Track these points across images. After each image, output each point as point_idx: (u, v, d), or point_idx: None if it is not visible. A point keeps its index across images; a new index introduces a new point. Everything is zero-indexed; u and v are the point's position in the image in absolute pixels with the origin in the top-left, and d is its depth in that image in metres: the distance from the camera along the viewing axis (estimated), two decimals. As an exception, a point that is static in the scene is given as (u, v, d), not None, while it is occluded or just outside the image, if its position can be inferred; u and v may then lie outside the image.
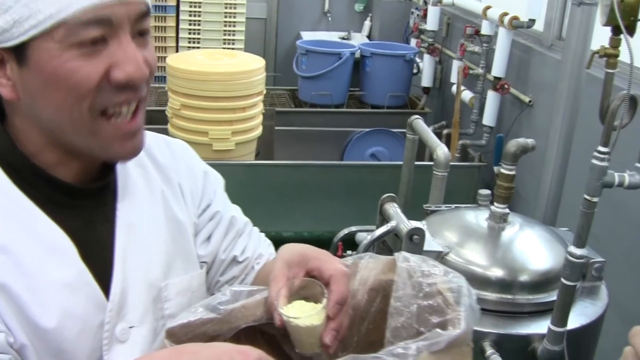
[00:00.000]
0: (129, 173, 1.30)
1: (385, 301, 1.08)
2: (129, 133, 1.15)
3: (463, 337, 0.94)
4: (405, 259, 1.07)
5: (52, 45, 1.06)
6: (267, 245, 1.55)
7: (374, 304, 1.13)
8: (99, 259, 1.21)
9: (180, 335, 1.06)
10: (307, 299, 1.14)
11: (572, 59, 3.02)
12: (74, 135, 1.12)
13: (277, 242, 1.41)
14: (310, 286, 1.15)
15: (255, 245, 1.50)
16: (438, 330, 0.93)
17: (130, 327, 1.22)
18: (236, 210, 1.52)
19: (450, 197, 2.94)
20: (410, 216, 2.64)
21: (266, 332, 1.18)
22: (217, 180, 1.51)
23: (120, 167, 1.29)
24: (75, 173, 1.20)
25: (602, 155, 1.96)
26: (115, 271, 1.22)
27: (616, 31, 2.05)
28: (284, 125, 5.10)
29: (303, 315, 1.09)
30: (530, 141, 2.44)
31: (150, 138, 1.40)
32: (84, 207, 1.22)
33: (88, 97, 1.09)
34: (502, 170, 2.43)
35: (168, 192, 1.36)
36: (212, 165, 4.37)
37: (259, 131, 4.55)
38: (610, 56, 2.09)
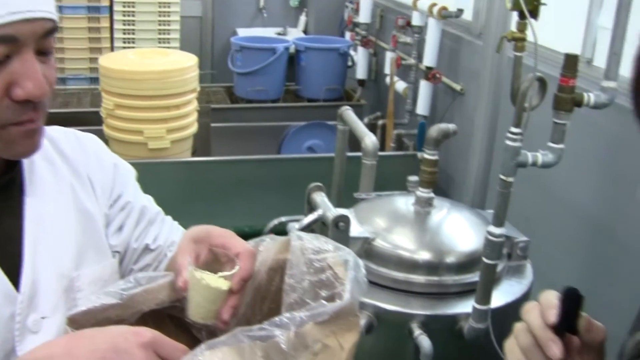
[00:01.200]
0: (35, 167, 1.31)
1: (283, 280, 1.11)
2: (30, 131, 1.16)
3: (348, 308, 0.97)
4: (298, 238, 1.11)
5: None
6: (180, 233, 1.57)
7: (273, 283, 1.16)
8: (7, 252, 1.21)
9: (82, 322, 1.08)
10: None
11: (492, 45, 3.09)
12: None
13: None
14: (215, 261, 1.18)
15: (167, 233, 1.52)
16: (323, 301, 0.96)
17: (43, 318, 1.23)
18: (148, 200, 1.54)
19: (386, 186, 2.98)
20: (344, 205, 2.69)
21: (175, 316, 1.20)
22: (128, 172, 1.53)
23: (26, 161, 1.30)
24: None
25: (514, 136, 2.02)
26: (25, 263, 1.23)
27: (522, 15, 2.12)
28: (221, 122, 5.11)
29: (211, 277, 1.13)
30: (451, 126, 2.50)
31: (59, 132, 1.41)
32: None
33: None
34: (425, 156, 2.48)
35: (77, 185, 1.37)
36: (149, 164, 4.35)
37: (194, 128, 4.55)
38: (518, 40, 2.16)
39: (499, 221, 2.11)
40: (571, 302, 0.93)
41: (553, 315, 0.92)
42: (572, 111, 2.07)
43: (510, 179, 2.06)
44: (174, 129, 4.38)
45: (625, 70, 2.93)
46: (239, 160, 4.55)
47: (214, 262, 1.19)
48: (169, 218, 1.58)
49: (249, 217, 4.41)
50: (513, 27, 2.98)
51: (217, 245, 1.21)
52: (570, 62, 2.04)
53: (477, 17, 4.40)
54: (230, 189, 4.46)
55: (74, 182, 1.37)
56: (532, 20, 2.00)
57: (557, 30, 3.53)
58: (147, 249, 1.48)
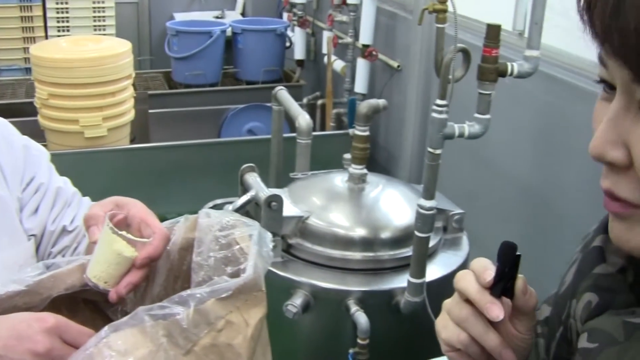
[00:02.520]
0: None
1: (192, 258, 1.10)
2: None
3: (251, 283, 0.96)
4: (206, 215, 1.10)
5: None
6: None
7: (184, 262, 1.15)
8: None
9: None
10: None
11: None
12: None
13: None
14: (128, 231, 1.17)
15: (84, 214, 1.51)
16: (225, 277, 0.95)
17: None
18: (64, 182, 1.52)
19: (326, 166, 2.98)
20: (283, 186, 2.68)
21: (90, 300, 1.18)
22: (40, 153, 1.50)
23: None
24: None
25: (440, 108, 2.02)
26: None
27: (442, -13, 2.12)
28: (160, 107, 5.05)
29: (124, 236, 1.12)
30: (381, 101, 2.50)
31: None
32: None
33: None
34: (356, 132, 2.48)
35: None
36: (86, 153, 4.28)
37: (131, 115, 4.50)
38: (439, 11, 2.16)
39: (429, 194, 2.12)
40: (508, 260, 0.88)
41: (489, 276, 0.87)
42: (496, 81, 2.08)
43: (438, 152, 2.07)
44: (111, 117, 4.33)
45: (556, 40, 2.97)
46: (178, 145, 4.51)
47: (127, 230, 1.17)
48: (86, 199, 1.56)
49: (191, 202, 4.35)
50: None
51: (135, 216, 1.19)
52: (493, 33, 2.05)
53: (411, -7, 4.40)
54: (171, 175, 4.43)
55: None
56: (451, -9, 2.00)
57: (490, 3, 3.55)
58: (64, 231, 1.47)
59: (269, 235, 1.06)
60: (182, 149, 4.48)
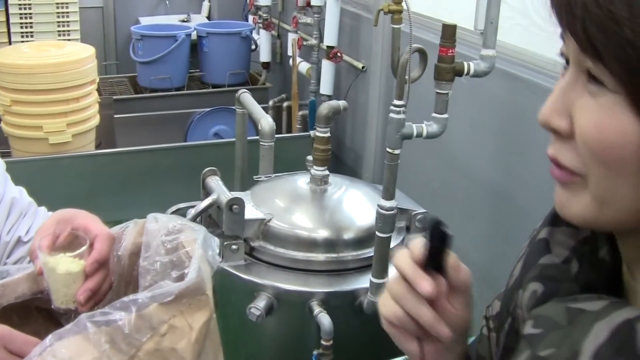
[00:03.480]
0: None
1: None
2: None
3: (194, 287, 0.96)
4: (154, 219, 1.09)
5: None
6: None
7: (134, 267, 1.14)
8: None
9: None
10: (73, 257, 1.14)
11: (382, 20, 3.10)
12: None
13: None
14: (76, 243, 1.16)
15: (41, 224, 1.49)
16: (167, 281, 0.95)
17: None
18: (19, 192, 1.51)
19: (291, 167, 2.98)
20: (247, 188, 2.67)
21: (43, 308, 1.18)
22: None
23: None
24: None
25: (397, 109, 2.03)
26: None
27: (396, -13, 2.13)
28: (125, 112, 5.03)
29: (61, 260, 1.11)
30: (342, 102, 2.51)
31: None
32: None
33: None
34: (317, 134, 2.48)
35: None
36: (50, 160, 4.25)
37: (95, 121, 4.48)
38: (394, 12, 2.17)
39: (388, 194, 2.13)
40: (437, 238, 0.90)
41: (421, 253, 0.90)
42: (452, 80, 2.10)
43: (397, 152, 2.07)
44: (75, 122, 4.31)
45: (515, 39, 2.99)
46: (144, 150, 4.50)
47: (75, 244, 1.17)
48: (42, 209, 1.54)
49: (159, 207, 4.30)
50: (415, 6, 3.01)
51: (78, 227, 1.18)
52: (448, 32, 2.06)
53: (374, -6, 4.41)
54: (138, 180, 4.41)
55: None
56: (405, -8, 2.01)
57: (454, 4, 3.57)
58: (19, 242, 1.45)
59: (215, 239, 1.06)
60: (149, 154, 4.47)
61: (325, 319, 2.22)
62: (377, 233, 2.18)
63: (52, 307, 1.12)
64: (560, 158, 0.77)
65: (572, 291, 0.84)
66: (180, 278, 0.99)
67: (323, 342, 2.23)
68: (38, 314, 1.19)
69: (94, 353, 0.88)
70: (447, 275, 0.92)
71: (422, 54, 2.04)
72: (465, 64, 2.14)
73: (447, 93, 2.11)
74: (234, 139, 3.48)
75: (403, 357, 1.50)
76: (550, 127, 0.77)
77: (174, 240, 1.04)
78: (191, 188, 4.29)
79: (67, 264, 1.10)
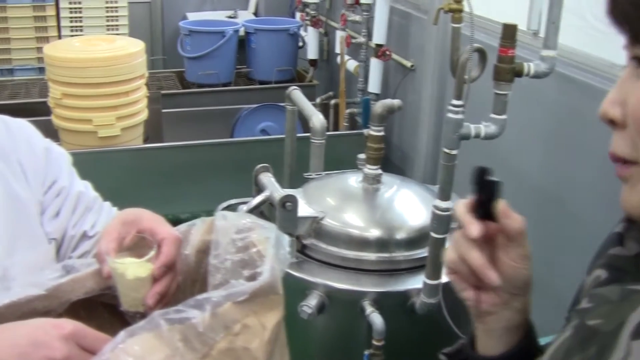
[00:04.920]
0: None
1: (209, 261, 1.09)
2: None
3: (268, 286, 0.95)
4: (223, 217, 1.08)
5: None
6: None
7: (202, 265, 1.14)
8: None
9: (7, 315, 1.05)
10: (138, 258, 1.14)
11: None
12: None
13: (175, 224, 1.41)
14: (142, 245, 1.15)
15: (105, 219, 1.50)
16: (241, 280, 0.94)
17: None
18: (85, 186, 1.51)
19: (339, 166, 2.96)
20: (297, 186, 2.67)
21: (107, 303, 1.18)
22: (62, 157, 1.50)
23: None
24: None
25: (456, 109, 2.00)
26: None
27: (458, -14, 2.10)
28: (173, 107, 5.06)
29: (129, 265, 1.10)
30: (396, 101, 2.48)
31: None
32: None
33: None
34: (371, 132, 2.46)
35: (6, 171, 1.34)
36: (99, 153, 4.30)
37: (144, 115, 4.51)
38: (454, 11, 2.14)
39: (444, 195, 2.10)
40: (485, 186, 0.96)
41: (472, 201, 0.97)
42: (512, 81, 2.07)
43: (454, 152, 2.05)
44: (124, 116, 4.34)
45: (570, 40, 2.95)
46: (191, 145, 4.51)
47: (140, 246, 1.16)
48: (107, 204, 1.55)
49: (204, 202, 4.36)
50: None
51: (144, 229, 1.18)
52: (509, 32, 2.03)
53: (424, -8, 4.38)
54: (184, 175, 4.42)
55: (3, 169, 1.34)
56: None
57: (504, 3, 3.53)
58: (85, 236, 1.46)
59: (287, 238, 1.05)
60: (195, 149, 4.48)
61: (377, 319, 2.20)
62: (431, 234, 2.15)
63: (120, 309, 1.12)
64: (616, 149, 0.80)
65: (636, 283, 0.85)
66: (253, 277, 0.98)
67: (374, 342, 2.22)
68: (103, 308, 1.19)
69: (167, 351, 0.88)
70: (499, 222, 0.97)
71: (482, 53, 2.01)
72: (525, 64, 2.11)
73: (506, 94, 2.08)
74: (281, 136, 3.48)
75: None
76: (607, 117, 0.80)
77: (245, 238, 1.03)
78: (237, 184, 4.30)
79: (136, 269, 1.10)
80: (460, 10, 2.13)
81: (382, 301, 2.29)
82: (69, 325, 0.96)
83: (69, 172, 1.49)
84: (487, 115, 2.19)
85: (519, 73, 2.07)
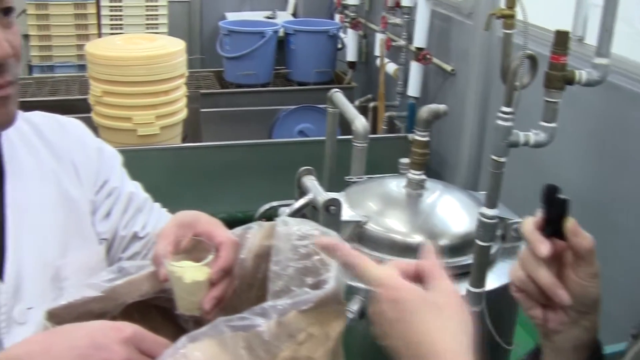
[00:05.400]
0: (16, 153, 1.28)
1: (269, 267, 1.07)
2: None
3: (333, 295, 0.94)
4: (284, 223, 1.07)
5: None
6: (168, 220, 1.54)
7: (260, 270, 1.13)
8: None
9: (64, 316, 1.04)
10: (194, 262, 1.13)
11: (482, 25, 3.04)
12: None
13: None
14: (198, 248, 1.14)
15: (156, 220, 1.49)
16: (306, 289, 0.93)
17: (29, 309, 1.21)
18: (135, 187, 1.51)
19: (377, 169, 2.95)
20: (335, 189, 2.65)
21: (160, 306, 1.17)
22: (114, 157, 1.50)
23: (6, 148, 1.27)
24: None
25: (505, 116, 1.98)
26: (8, 252, 1.20)
27: (511, -8, 2.08)
28: (210, 107, 5.07)
29: (187, 269, 1.10)
30: (442, 107, 2.46)
31: (40, 117, 1.38)
32: None
33: None
34: (416, 137, 2.44)
35: (60, 170, 1.34)
36: (138, 151, 4.32)
37: (183, 114, 4.52)
38: (506, 17, 2.12)
39: (491, 202, 2.08)
40: (553, 204, 0.96)
41: (540, 219, 0.98)
42: (563, 89, 2.04)
43: (502, 160, 2.03)
44: (163, 115, 4.35)
45: (617, 47, 2.91)
46: (229, 145, 4.52)
47: (197, 249, 1.15)
48: (157, 205, 1.54)
49: (241, 203, 4.38)
50: (503, 5, 2.95)
51: (201, 232, 1.17)
52: (561, 39, 2.00)
53: (467, -4, 4.36)
54: (221, 175, 4.43)
55: (56, 168, 1.34)
56: (521, -4, 1.96)
57: (546, 8, 3.50)
58: (135, 237, 1.46)
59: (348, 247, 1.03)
60: (234, 149, 4.49)
61: (418, 326, 2.18)
62: (477, 241, 2.13)
63: (176, 312, 1.11)
64: None
65: None
66: (316, 285, 0.97)
67: (416, 349, 2.19)
68: (156, 311, 1.18)
69: (229, 358, 0.87)
70: (567, 241, 0.96)
71: (533, 60, 1.99)
72: (577, 72, 2.08)
73: (557, 102, 2.06)
74: (319, 138, 3.47)
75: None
76: None
77: (308, 245, 1.02)
78: (275, 185, 4.31)
79: (193, 273, 1.09)
80: (512, 17, 2.10)
81: (424, 307, 2.27)
82: (128, 328, 0.95)
83: (120, 173, 1.49)
84: (533, 123, 2.17)
85: (570, 81, 2.05)
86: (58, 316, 1.04)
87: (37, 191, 1.29)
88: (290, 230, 1.05)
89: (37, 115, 1.39)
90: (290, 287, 0.99)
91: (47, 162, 1.33)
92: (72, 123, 1.46)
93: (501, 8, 2.09)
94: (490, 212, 2.08)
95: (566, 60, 2.04)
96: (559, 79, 2.02)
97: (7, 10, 1.13)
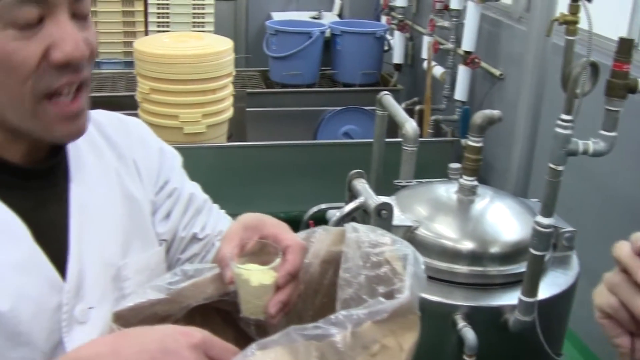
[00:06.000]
0: (80, 152, 1.28)
1: (337, 273, 1.05)
2: (71, 115, 1.12)
3: (407, 305, 0.92)
4: (354, 229, 1.05)
5: None
6: (227, 221, 1.53)
7: (326, 276, 1.11)
8: (53, 240, 1.18)
9: (129, 318, 1.04)
10: (260, 265, 1.12)
11: (537, 29, 3.01)
12: (15, 116, 1.10)
13: None
14: (264, 251, 1.13)
15: (215, 222, 1.48)
16: (380, 298, 0.91)
17: (90, 308, 1.20)
18: (195, 188, 1.50)
19: (423, 173, 2.93)
20: (382, 192, 2.63)
21: (222, 309, 1.16)
22: (174, 157, 1.49)
23: (71, 146, 1.26)
24: (22, 154, 1.17)
25: (565, 123, 1.94)
26: (71, 252, 1.19)
27: (574, -3, 2.04)
28: (256, 106, 5.07)
29: (254, 272, 1.08)
30: (496, 112, 2.43)
31: (103, 116, 1.38)
32: (34, 188, 1.19)
33: (29, 79, 1.06)
34: (469, 143, 2.41)
35: (122, 170, 1.34)
36: (184, 149, 4.35)
37: (229, 113, 4.52)
38: (569, 23, 2.08)
39: (547, 211, 2.04)
40: None
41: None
42: (625, 97, 2.00)
43: (560, 168, 1.99)
44: (210, 114, 4.36)
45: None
46: (274, 145, 4.52)
47: (263, 252, 1.14)
48: (216, 206, 1.54)
49: (284, 203, 4.38)
50: (558, 11, 2.91)
51: (268, 235, 1.16)
52: (625, 47, 1.96)
53: (517, 0, 4.31)
54: (265, 175, 4.43)
55: (119, 167, 1.33)
56: (585, 2, 1.92)
57: (601, 15, 3.44)
58: (194, 238, 1.44)
59: (420, 256, 1.01)
60: (279, 149, 4.49)
61: (469, 334, 2.16)
62: (531, 250, 2.10)
63: (240, 315, 1.10)
64: None
65: None
66: (389, 295, 0.95)
67: (466, 358, 2.17)
68: (217, 314, 1.17)
69: (301, 367, 0.85)
70: None
71: (594, 67, 1.95)
72: (640, 80, 2.04)
73: (618, 110, 2.01)
74: (365, 140, 3.45)
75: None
76: None
77: (380, 254, 1.00)
78: (319, 187, 4.31)
79: (260, 276, 1.07)
80: (576, 22, 2.07)
81: (474, 316, 2.24)
82: (198, 334, 0.94)
83: (180, 174, 1.48)
84: (590, 131, 2.13)
85: (632, 89, 2.01)
86: (123, 318, 1.04)
87: (101, 190, 1.28)
88: (361, 238, 1.03)
89: (100, 114, 1.38)
90: (360, 296, 0.98)
91: (110, 161, 1.33)
92: (133, 122, 1.45)
93: (564, 14, 2.05)
94: (546, 221, 2.05)
95: (629, 69, 2.00)
96: (621, 87, 1.98)
97: (84, 11, 1.12)
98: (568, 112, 1.94)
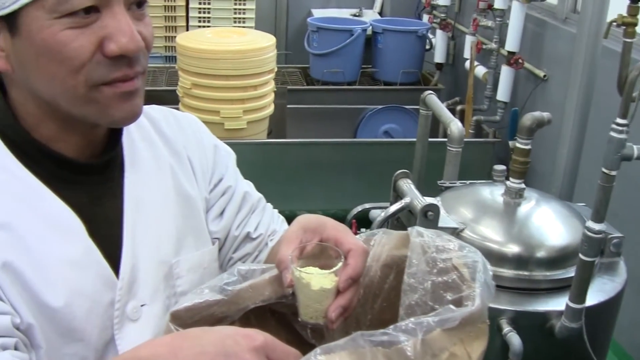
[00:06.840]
0: (135, 147, 1.27)
1: (398, 278, 1.03)
2: (126, 93, 1.10)
3: (478, 314, 0.90)
4: (419, 234, 1.03)
5: (43, 14, 1.02)
6: (280, 221, 1.52)
7: (387, 280, 1.09)
8: (107, 235, 1.18)
9: (185, 319, 1.03)
10: (319, 267, 1.10)
11: (588, 31, 2.96)
12: (68, 104, 1.09)
13: (291, 221, 1.37)
14: (324, 254, 1.11)
15: (268, 221, 1.47)
16: (451, 306, 0.89)
17: (142, 306, 1.20)
18: (249, 186, 1.49)
19: (464, 174, 2.90)
20: (424, 192, 2.60)
21: (276, 311, 1.14)
22: (228, 155, 1.48)
23: (126, 141, 1.25)
24: (77, 147, 1.17)
25: (620, 128, 1.91)
26: (125, 248, 1.19)
27: (634, -1, 2.00)
28: (296, 103, 5.06)
29: (315, 275, 1.06)
30: (546, 115, 2.40)
31: (158, 111, 1.37)
32: (89, 183, 1.19)
33: (83, 70, 1.05)
34: (518, 145, 2.38)
35: (177, 166, 1.33)
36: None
37: (270, 109, 4.52)
38: (628, 25, 2.04)
39: (599, 216, 2.01)
40: None
41: None
42: (683, 101, 1.96)
43: (614, 173, 1.95)
44: (251, 110, 4.35)
45: None
46: (315, 143, 4.51)
47: (322, 254, 1.12)
48: (269, 206, 1.52)
49: (324, 201, 4.37)
50: (608, 13, 2.87)
51: (328, 238, 1.14)
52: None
53: (563, 1, 4.26)
54: (305, 172, 4.42)
55: (174, 164, 1.32)
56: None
57: None
58: (248, 237, 1.43)
59: (488, 264, 0.99)
60: (319, 147, 4.47)
61: (515, 339, 2.13)
62: (581, 256, 2.06)
63: (299, 319, 1.08)
64: None
65: None
66: (457, 302, 0.93)
67: (510, 363, 2.14)
68: (271, 316, 1.16)
69: (367, 373, 0.83)
70: None
71: (652, 71, 1.92)
72: (697, 85, 2.00)
73: (675, 115, 1.98)
74: (406, 139, 3.43)
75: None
76: None
77: (447, 260, 0.98)
78: (359, 185, 4.29)
79: (321, 280, 1.05)
80: (635, 24, 2.03)
81: (519, 321, 2.21)
82: (259, 336, 0.92)
83: (234, 172, 1.47)
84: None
85: (689, 94, 1.97)
86: (180, 318, 1.03)
87: (155, 187, 1.27)
88: (427, 243, 1.01)
89: (154, 109, 1.38)
90: (426, 302, 0.96)
91: (164, 157, 1.32)
92: (187, 118, 1.44)
93: (622, 15, 2.01)
94: (597, 226, 2.01)
95: (687, 73, 1.96)
96: (678, 92, 1.95)
97: (141, 3, 1.12)
98: (623, 116, 1.91)
